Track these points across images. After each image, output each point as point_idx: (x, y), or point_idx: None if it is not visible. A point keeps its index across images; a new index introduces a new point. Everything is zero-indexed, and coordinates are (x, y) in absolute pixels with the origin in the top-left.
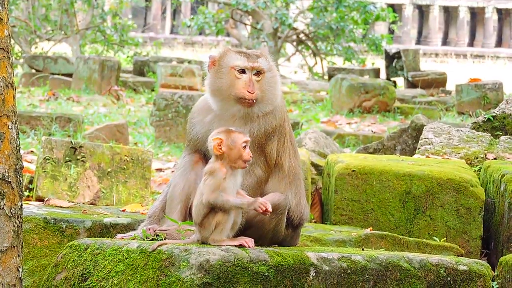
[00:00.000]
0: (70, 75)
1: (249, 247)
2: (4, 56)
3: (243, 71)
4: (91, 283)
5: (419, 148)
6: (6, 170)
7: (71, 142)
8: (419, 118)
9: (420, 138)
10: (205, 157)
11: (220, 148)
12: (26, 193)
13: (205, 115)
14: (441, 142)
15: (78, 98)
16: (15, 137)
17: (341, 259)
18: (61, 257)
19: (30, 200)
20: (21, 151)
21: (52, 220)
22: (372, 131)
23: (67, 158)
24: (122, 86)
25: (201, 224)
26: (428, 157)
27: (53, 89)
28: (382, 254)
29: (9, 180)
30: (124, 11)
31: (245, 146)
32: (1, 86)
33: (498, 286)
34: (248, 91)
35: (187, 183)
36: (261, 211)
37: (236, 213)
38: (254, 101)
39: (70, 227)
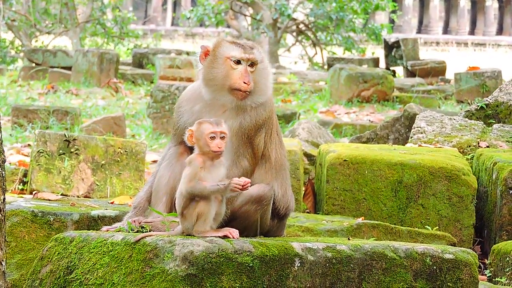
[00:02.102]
0: (69, 68)
1: (233, 238)
2: None
3: (238, 62)
4: (76, 275)
5: (411, 137)
6: None
7: (65, 135)
8: (411, 107)
9: (412, 127)
10: (191, 148)
11: (192, 139)
12: (21, 187)
13: (194, 104)
14: (433, 130)
15: (77, 91)
16: None
17: (326, 249)
18: (47, 250)
19: (24, 194)
20: (19, 145)
21: (40, 213)
22: (369, 120)
23: (60, 151)
24: (121, 78)
25: (183, 215)
26: (421, 146)
27: (52, 82)
28: (367, 243)
29: None
30: (124, 3)
31: (213, 137)
32: None
33: (491, 274)
34: (244, 82)
35: (172, 175)
36: (240, 188)
37: (218, 203)
38: (248, 92)
39: (57, 220)
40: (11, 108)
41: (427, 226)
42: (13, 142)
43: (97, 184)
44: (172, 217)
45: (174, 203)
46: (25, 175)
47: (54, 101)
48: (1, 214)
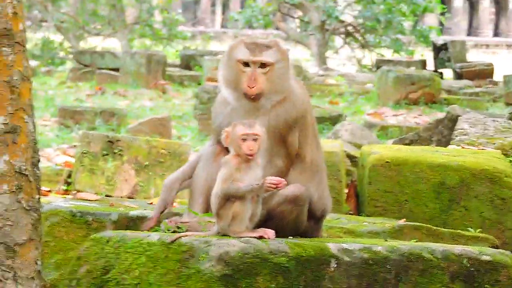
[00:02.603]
0: (117, 70)
1: (269, 238)
2: (20, 50)
3: (247, 64)
4: (113, 275)
5: (454, 139)
6: (23, 164)
7: (108, 136)
8: (454, 109)
9: (455, 129)
10: (228, 148)
11: (227, 140)
12: (64, 187)
13: (225, 107)
14: (476, 132)
15: (124, 92)
16: (32, 130)
17: (362, 250)
18: (84, 250)
19: (68, 194)
20: (65, 146)
21: (78, 213)
22: (416, 122)
23: (104, 152)
24: (168, 80)
25: (218, 215)
26: (463, 147)
27: (100, 84)
28: (404, 244)
29: (26, 174)
30: (173, 5)
31: (244, 139)
32: (17, 79)
33: None
34: (248, 86)
35: (208, 175)
36: (273, 187)
37: (254, 204)
38: (256, 95)
39: (96, 220)
40: (58, 109)
41: (469, 228)
42: (59, 143)
43: (140, 185)
44: (208, 217)
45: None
46: (69, 176)
47: (101, 103)
48: (37, 214)
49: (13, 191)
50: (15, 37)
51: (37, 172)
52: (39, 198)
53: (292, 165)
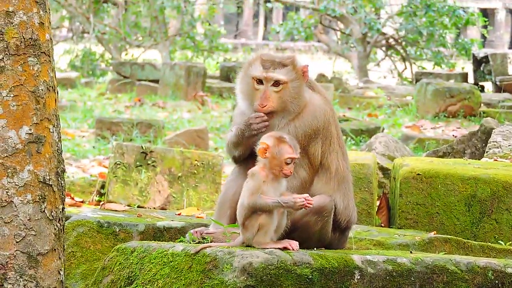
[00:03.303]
0: (156, 81)
1: (293, 249)
2: (46, 60)
3: (260, 81)
4: (137, 286)
5: (487, 152)
6: (47, 173)
7: (142, 147)
8: (488, 122)
9: (488, 142)
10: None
11: (265, 153)
12: (98, 198)
13: (244, 117)
14: (509, 145)
15: (163, 104)
16: (57, 140)
17: (386, 261)
18: (108, 260)
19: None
20: (101, 157)
21: (106, 224)
22: (453, 135)
23: (138, 163)
24: (208, 91)
25: (244, 226)
26: (496, 160)
27: (139, 95)
28: (428, 256)
29: (50, 183)
30: (216, 17)
31: (288, 163)
32: (42, 90)
33: None
34: (259, 105)
35: (238, 189)
36: (299, 205)
37: (280, 215)
38: (268, 114)
39: (123, 231)
40: (95, 120)
41: (500, 241)
42: (95, 154)
43: (173, 196)
44: (233, 228)
45: None
46: (102, 187)
47: (139, 114)
48: (60, 224)
49: (37, 201)
50: (41, 47)
51: (62, 182)
52: (63, 208)
53: (317, 175)
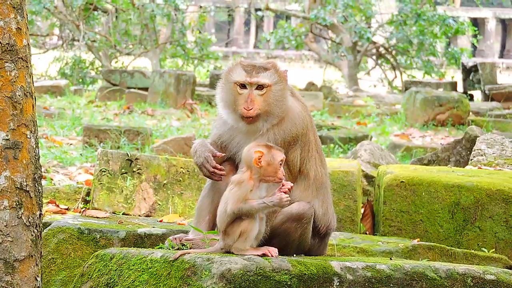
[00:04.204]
0: (146, 89)
1: (272, 256)
2: (23, 66)
3: (244, 86)
4: None
5: (471, 160)
6: (24, 179)
7: (127, 154)
8: (473, 130)
9: (473, 150)
10: (236, 166)
11: (260, 162)
12: (82, 205)
13: (225, 127)
14: (493, 153)
15: (153, 112)
16: (34, 146)
17: (365, 268)
18: (87, 267)
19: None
20: (88, 164)
21: (86, 231)
22: (441, 144)
23: (123, 170)
24: (197, 99)
25: (225, 232)
26: (480, 168)
27: (129, 103)
28: (408, 263)
29: (27, 190)
30: (207, 25)
31: (281, 164)
32: (19, 95)
33: None
34: (245, 108)
35: (216, 194)
36: (285, 200)
37: (260, 221)
38: (253, 118)
39: (104, 238)
40: (83, 128)
41: (483, 249)
42: (82, 162)
43: (159, 204)
44: (212, 235)
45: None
46: (88, 194)
47: (128, 122)
48: (37, 230)
49: (14, 207)
50: (18, 52)
51: (39, 188)
52: (40, 214)
53: (296, 182)
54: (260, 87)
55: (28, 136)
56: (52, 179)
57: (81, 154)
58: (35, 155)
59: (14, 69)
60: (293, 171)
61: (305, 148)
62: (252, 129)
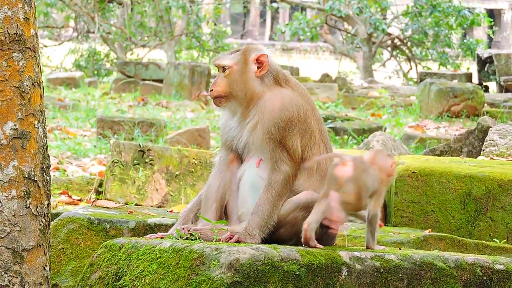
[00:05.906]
0: (161, 81)
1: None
2: (31, 56)
3: (218, 70)
4: (124, 282)
5: (484, 150)
6: (32, 169)
7: (139, 145)
8: (485, 120)
9: (485, 140)
10: (240, 156)
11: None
12: (95, 196)
13: (224, 119)
14: (506, 144)
15: (167, 103)
16: (42, 136)
17: (374, 258)
18: (96, 256)
19: None
20: (102, 156)
21: (96, 221)
22: (455, 135)
23: (135, 161)
24: None
25: None
26: (492, 158)
27: (143, 95)
28: (416, 253)
29: (35, 179)
30: (222, 17)
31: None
32: (27, 85)
33: None
34: (210, 90)
35: (222, 183)
36: None
37: None
38: (216, 98)
39: (114, 228)
40: (97, 119)
41: (495, 239)
42: (96, 153)
43: (171, 195)
44: (221, 225)
45: (224, 211)
46: (100, 185)
47: (142, 113)
48: (45, 220)
49: (22, 197)
50: (26, 42)
51: (47, 177)
52: (48, 204)
53: (299, 169)
54: (223, 69)
55: (36, 126)
56: (65, 171)
57: (94, 146)
58: (43, 145)
59: (22, 59)
60: (294, 157)
61: (306, 135)
62: (232, 111)
